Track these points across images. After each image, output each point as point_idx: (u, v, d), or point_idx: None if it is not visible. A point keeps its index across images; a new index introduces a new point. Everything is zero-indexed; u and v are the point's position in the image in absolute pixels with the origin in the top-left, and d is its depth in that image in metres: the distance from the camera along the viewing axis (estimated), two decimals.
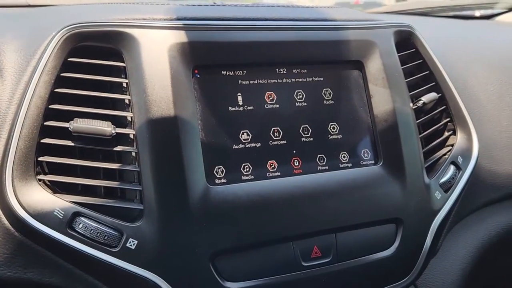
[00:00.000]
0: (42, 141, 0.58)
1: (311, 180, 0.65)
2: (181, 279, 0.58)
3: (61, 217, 0.56)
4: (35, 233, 0.56)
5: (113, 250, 0.57)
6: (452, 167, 0.76)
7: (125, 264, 0.56)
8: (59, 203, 0.57)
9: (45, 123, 0.59)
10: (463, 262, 0.82)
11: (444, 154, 0.78)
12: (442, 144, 0.80)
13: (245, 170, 0.63)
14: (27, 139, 0.57)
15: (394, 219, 0.68)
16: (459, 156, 0.78)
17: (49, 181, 0.59)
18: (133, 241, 0.57)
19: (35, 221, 0.55)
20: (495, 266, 0.92)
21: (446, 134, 0.81)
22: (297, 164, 0.66)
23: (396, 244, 0.68)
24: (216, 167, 0.62)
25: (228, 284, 0.59)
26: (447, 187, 0.74)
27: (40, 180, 0.58)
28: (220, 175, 0.62)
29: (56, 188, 0.59)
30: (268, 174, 0.64)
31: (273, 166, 0.65)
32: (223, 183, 0.61)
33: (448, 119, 0.81)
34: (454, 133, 0.81)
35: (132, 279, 0.57)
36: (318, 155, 0.67)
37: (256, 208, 0.61)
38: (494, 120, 0.88)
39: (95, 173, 0.61)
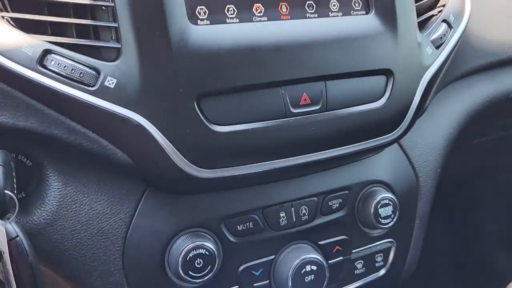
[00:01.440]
0: None
1: (300, 25, 0.61)
2: (166, 119, 0.54)
3: (30, 54, 0.51)
4: (1, 71, 0.51)
5: (90, 88, 0.53)
6: (443, 25, 0.74)
7: (104, 103, 0.53)
8: (27, 40, 0.52)
9: None
10: (449, 126, 0.82)
11: (436, 14, 0.75)
12: (435, 4, 0.77)
13: (229, 12, 0.58)
14: None
15: (384, 70, 0.66)
16: (451, 15, 0.75)
17: (12, 19, 0.53)
18: (111, 80, 0.53)
19: (0, 56, 0.50)
20: (478, 134, 0.93)
21: None
22: (285, 10, 0.62)
23: (386, 96, 0.66)
24: (199, 7, 0.57)
25: (215, 127, 0.57)
26: (438, 43, 0.72)
27: (3, 17, 0.52)
28: (202, 16, 0.57)
29: (22, 30, 0.53)
30: (254, 18, 0.60)
31: (259, 10, 0.60)
32: (206, 24, 0.57)
33: None
34: None
35: (112, 120, 0.53)
36: (307, 2, 0.63)
37: (242, 50, 0.57)
38: None
39: (64, 13, 0.55)
